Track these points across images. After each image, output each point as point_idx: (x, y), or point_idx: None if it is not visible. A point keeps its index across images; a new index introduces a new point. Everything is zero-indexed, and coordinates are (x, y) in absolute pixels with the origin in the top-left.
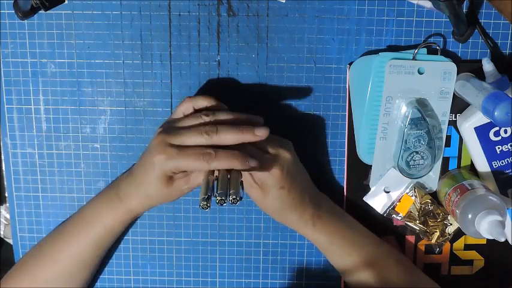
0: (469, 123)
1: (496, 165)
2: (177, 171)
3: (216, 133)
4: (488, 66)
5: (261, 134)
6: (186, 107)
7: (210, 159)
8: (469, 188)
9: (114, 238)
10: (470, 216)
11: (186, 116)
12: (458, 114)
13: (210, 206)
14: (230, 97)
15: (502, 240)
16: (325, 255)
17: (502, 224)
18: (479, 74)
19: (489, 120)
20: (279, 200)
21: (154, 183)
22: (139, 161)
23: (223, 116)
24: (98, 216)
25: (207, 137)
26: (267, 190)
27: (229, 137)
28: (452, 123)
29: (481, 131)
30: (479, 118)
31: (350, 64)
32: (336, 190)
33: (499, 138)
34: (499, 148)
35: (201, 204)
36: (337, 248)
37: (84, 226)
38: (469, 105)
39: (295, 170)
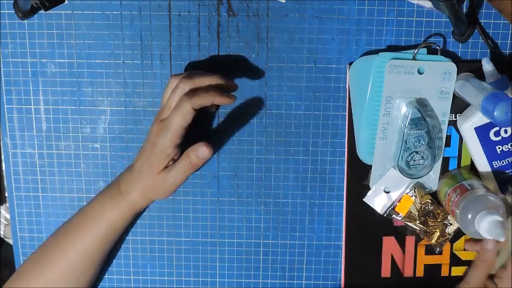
0: (469, 124)
1: (496, 165)
2: (175, 137)
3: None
4: (488, 66)
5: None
6: (172, 86)
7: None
8: (469, 188)
9: (118, 234)
10: (470, 216)
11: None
12: (458, 114)
13: None
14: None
15: (502, 240)
16: None
17: (502, 224)
18: (479, 74)
19: (489, 121)
20: None
21: (165, 144)
22: (138, 154)
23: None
24: (101, 213)
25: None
26: None
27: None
28: (452, 123)
29: (481, 131)
30: (479, 118)
31: (350, 64)
32: (336, 190)
33: (499, 138)
34: (499, 148)
35: None
36: None
37: (89, 224)
38: (469, 105)
39: None
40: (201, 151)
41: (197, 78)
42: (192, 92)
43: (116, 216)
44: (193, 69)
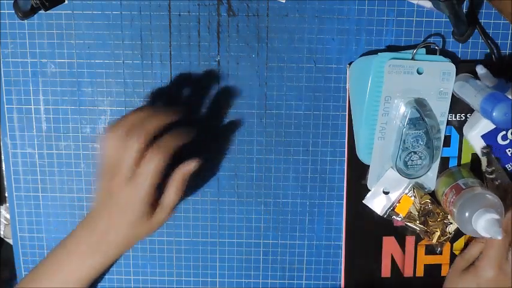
0: (476, 132)
1: (510, 168)
2: (150, 195)
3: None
4: (482, 72)
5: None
6: (117, 145)
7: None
8: (464, 187)
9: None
10: (467, 214)
11: None
12: (458, 115)
13: None
14: (230, 97)
15: (499, 238)
16: None
17: (499, 222)
18: None
19: (495, 126)
20: None
21: (140, 205)
22: (98, 211)
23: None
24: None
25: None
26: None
27: None
28: (452, 124)
29: (489, 138)
30: (484, 125)
31: (350, 64)
32: (336, 190)
33: (507, 141)
34: (509, 151)
35: None
36: None
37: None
38: (469, 105)
39: None
40: (187, 169)
41: (148, 125)
42: (157, 145)
43: (96, 272)
44: (194, 71)
